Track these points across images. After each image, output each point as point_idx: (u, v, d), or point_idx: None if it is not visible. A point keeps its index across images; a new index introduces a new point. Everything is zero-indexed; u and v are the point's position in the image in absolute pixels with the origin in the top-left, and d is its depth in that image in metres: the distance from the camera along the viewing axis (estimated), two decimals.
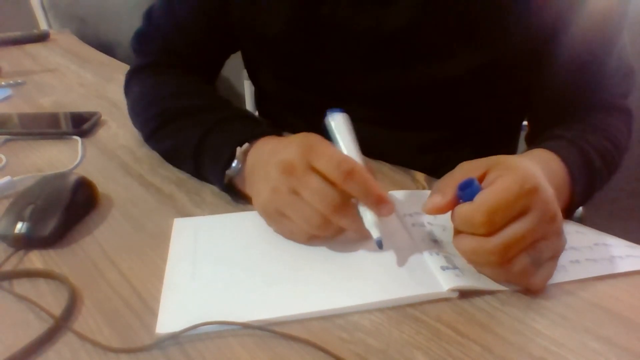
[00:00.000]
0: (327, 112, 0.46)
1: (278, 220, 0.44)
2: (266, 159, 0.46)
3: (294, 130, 0.46)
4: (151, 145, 0.64)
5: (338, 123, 0.45)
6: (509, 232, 0.36)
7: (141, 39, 0.70)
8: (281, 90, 0.71)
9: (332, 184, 0.40)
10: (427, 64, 0.58)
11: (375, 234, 0.41)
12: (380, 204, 0.41)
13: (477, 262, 0.40)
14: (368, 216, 0.42)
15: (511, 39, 0.55)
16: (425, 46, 0.57)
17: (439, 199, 0.40)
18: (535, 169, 0.39)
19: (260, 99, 0.81)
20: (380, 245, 0.41)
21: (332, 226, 0.42)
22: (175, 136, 0.58)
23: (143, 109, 0.65)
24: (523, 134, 0.72)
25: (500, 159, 0.41)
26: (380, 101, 0.63)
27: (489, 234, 0.37)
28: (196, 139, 0.54)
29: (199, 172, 0.56)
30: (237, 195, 0.52)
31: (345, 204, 0.41)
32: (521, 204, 0.37)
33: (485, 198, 0.37)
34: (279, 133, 0.53)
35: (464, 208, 0.38)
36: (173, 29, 0.67)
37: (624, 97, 0.61)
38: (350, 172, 0.40)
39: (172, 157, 0.60)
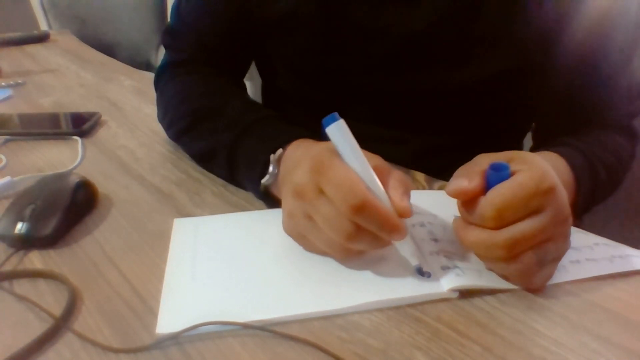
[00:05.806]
0: (323, 123, 0.39)
1: (303, 242, 0.43)
2: (290, 170, 0.44)
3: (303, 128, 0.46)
4: (181, 145, 0.63)
5: (338, 134, 0.39)
6: (520, 228, 0.36)
7: (172, 34, 0.70)
8: (293, 87, 0.70)
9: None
10: (444, 69, 0.58)
11: (413, 262, 0.41)
12: (394, 233, 0.38)
13: (483, 255, 0.40)
14: (405, 246, 0.42)
15: (528, 48, 0.55)
16: (444, 51, 0.57)
17: (465, 183, 0.38)
18: (551, 169, 0.39)
19: (268, 96, 0.80)
20: (420, 272, 0.40)
21: (353, 250, 0.40)
22: (207, 138, 0.57)
23: (174, 107, 0.64)
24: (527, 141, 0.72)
25: (521, 153, 0.40)
26: (392, 103, 0.63)
27: (497, 228, 0.37)
28: (229, 143, 0.53)
29: (233, 178, 0.55)
30: (272, 202, 0.50)
31: (360, 229, 0.38)
32: (536, 202, 0.36)
33: (500, 192, 0.36)
34: (311, 136, 0.50)
35: (480, 202, 0.37)
36: (203, 20, 0.66)
37: (632, 117, 0.61)
38: (359, 208, 0.36)
39: (204, 160, 0.59)
